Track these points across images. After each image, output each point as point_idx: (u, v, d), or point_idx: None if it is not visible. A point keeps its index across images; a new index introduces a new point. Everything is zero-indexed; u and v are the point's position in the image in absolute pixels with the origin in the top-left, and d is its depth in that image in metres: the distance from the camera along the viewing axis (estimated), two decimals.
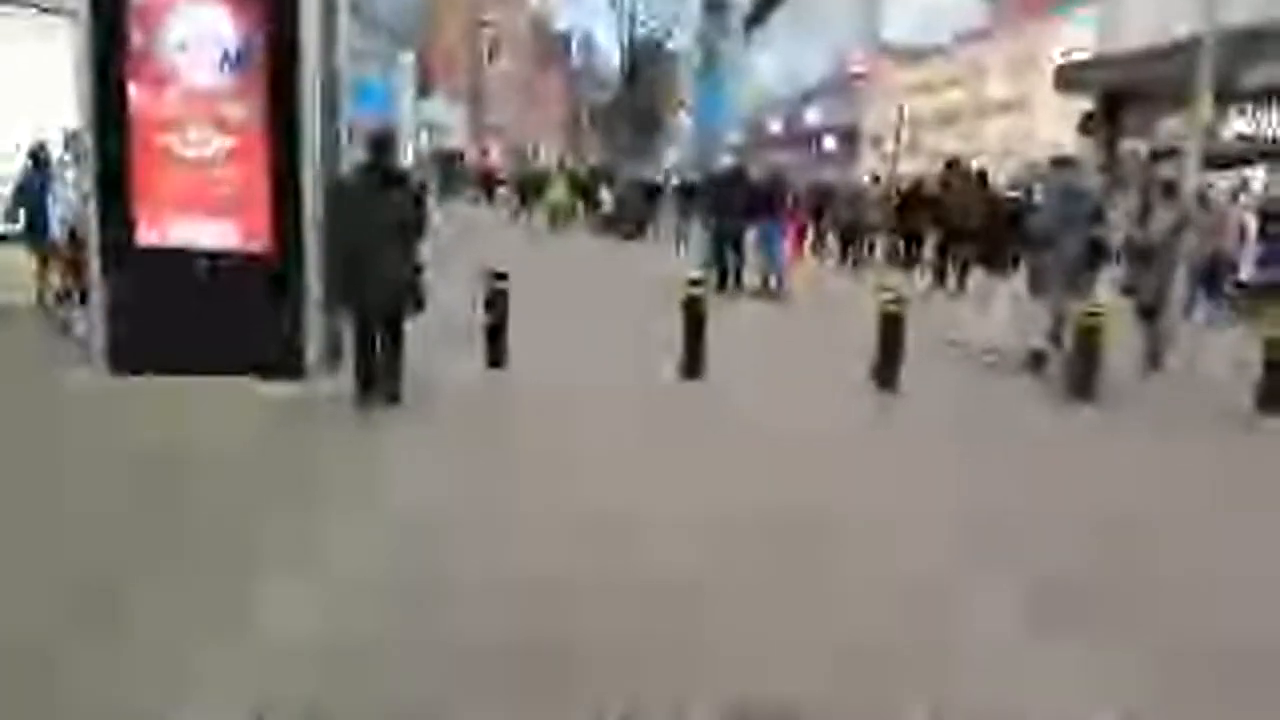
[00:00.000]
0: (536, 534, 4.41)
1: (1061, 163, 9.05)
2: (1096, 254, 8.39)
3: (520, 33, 61.81)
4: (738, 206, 13.10)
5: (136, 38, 6.46)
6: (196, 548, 4.13)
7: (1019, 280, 9.07)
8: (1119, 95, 19.92)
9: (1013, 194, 9.70)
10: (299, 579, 3.84)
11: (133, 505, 4.60)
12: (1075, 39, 21.95)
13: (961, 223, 13.71)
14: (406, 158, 32.57)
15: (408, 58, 36.98)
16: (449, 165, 31.48)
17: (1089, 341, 7.41)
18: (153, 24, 6.46)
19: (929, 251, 15.65)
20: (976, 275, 10.24)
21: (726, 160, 23.37)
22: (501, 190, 27.61)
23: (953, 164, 16.37)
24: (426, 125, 39.55)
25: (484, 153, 44.86)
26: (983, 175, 15.07)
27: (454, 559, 4.13)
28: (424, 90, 39.95)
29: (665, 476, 5.31)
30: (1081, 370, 7.42)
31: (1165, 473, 5.94)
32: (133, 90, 6.52)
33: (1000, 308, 9.10)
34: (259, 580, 3.81)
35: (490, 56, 52.45)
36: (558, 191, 24.31)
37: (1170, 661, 3.52)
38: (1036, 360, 8.57)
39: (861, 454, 6.01)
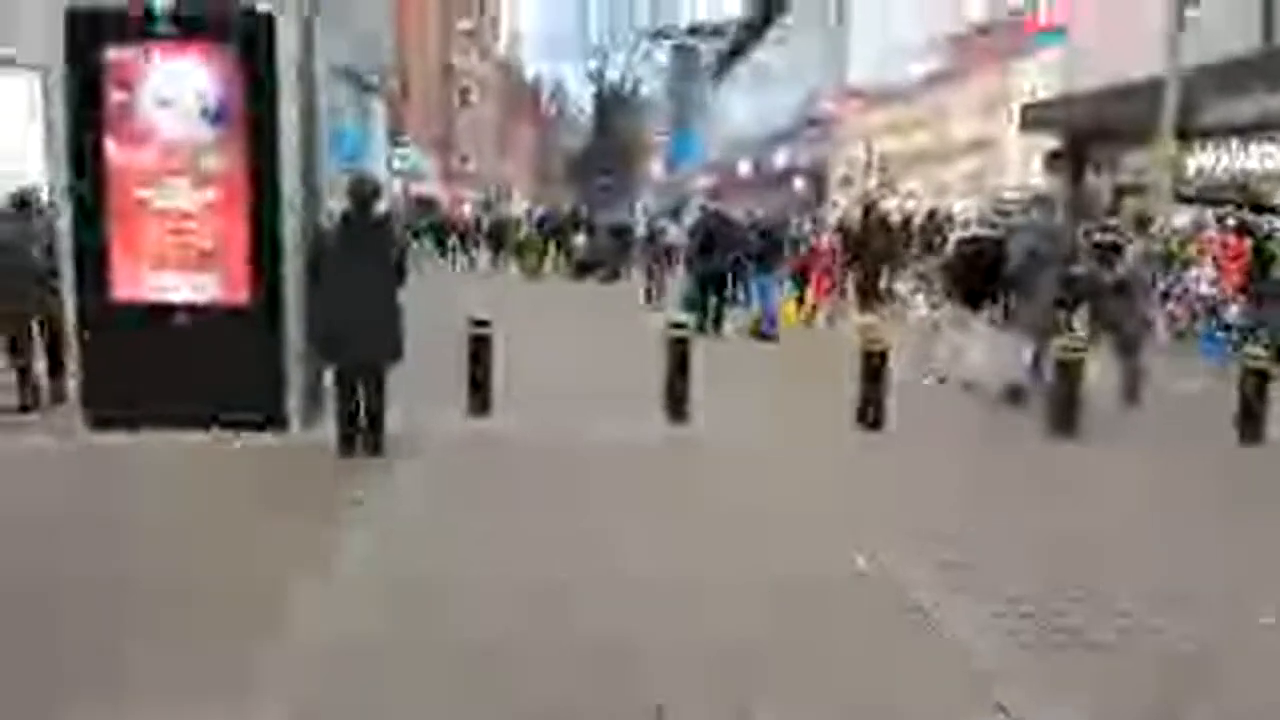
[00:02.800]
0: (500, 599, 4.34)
1: (1038, 201, 9.18)
2: (1073, 290, 8.49)
3: (491, 80, 62.32)
4: (722, 250, 13.27)
5: (114, 92, 6.44)
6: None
7: (993, 315, 9.12)
8: (1083, 133, 20.34)
9: (977, 232, 9.88)
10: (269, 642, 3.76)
11: (119, 565, 4.50)
12: (1039, 80, 22.45)
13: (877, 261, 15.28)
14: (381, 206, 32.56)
15: (378, 106, 37.16)
16: (424, 213, 31.44)
17: (1069, 375, 7.46)
18: (131, 78, 6.44)
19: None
20: (949, 311, 10.39)
21: (698, 205, 23.52)
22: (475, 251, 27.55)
23: (870, 207, 17.59)
24: (399, 174, 39.63)
25: (458, 202, 44.97)
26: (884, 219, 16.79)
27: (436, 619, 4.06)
28: (395, 138, 40.10)
29: (644, 533, 5.25)
30: (1063, 404, 7.46)
31: (1153, 498, 5.97)
32: (111, 145, 6.48)
33: (977, 343, 9.13)
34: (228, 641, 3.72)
35: (461, 103, 52.76)
36: (532, 238, 24.38)
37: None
38: (1014, 394, 8.62)
39: (853, 507, 5.99)
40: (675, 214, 32.96)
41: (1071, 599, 4.34)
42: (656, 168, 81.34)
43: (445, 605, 4.15)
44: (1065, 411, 7.41)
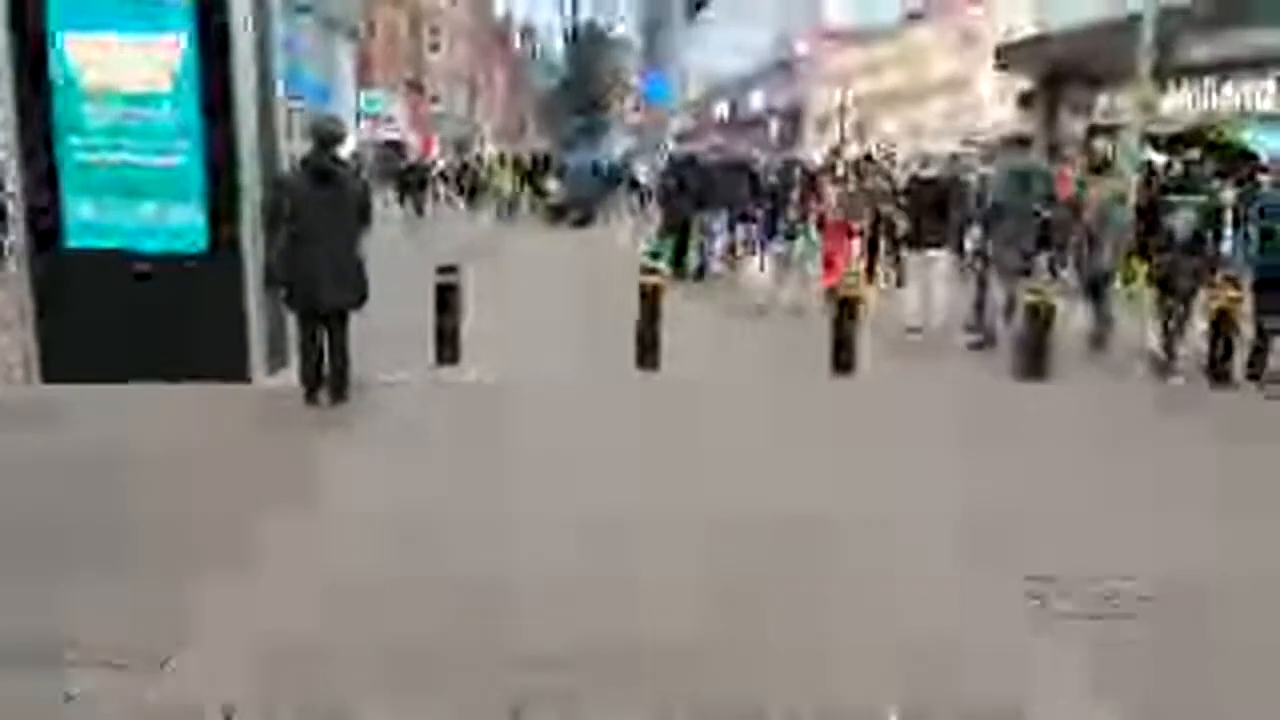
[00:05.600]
0: (473, 530, 4.31)
1: (1015, 142, 9.07)
2: (1046, 233, 8.44)
3: (462, 22, 61.02)
4: (692, 193, 12.96)
5: (53, 26, 6.19)
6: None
7: (950, 258, 9.06)
8: (1058, 74, 20.19)
9: (926, 173, 9.83)
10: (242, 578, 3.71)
11: (80, 511, 4.45)
12: (1014, 19, 22.20)
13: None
14: (349, 148, 32.01)
15: (347, 48, 36.35)
16: (391, 157, 30.91)
17: (1039, 320, 7.44)
18: (73, 11, 6.19)
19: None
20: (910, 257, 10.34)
21: (672, 147, 23.21)
22: (442, 189, 27.07)
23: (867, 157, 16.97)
24: (367, 116, 38.92)
25: (428, 145, 44.25)
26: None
27: (400, 558, 4.03)
28: (364, 81, 39.30)
29: (609, 471, 5.23)
30: (1032, 349, 7.46)
31: (1114, 446, 6.00)
32: (60, 86, 6.24)
33: (938, 287, 9.08)
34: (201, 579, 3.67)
35: (431, 46, 51.72)
36: (503, 182, 24.03)
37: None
38: (988, 339, 8.63)
39: (823, 444, 5.98)
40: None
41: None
42: (631, 110, 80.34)
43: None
44: (1035, 357, 7.42)
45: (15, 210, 6.54)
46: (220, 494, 4.76)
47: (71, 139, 6.34)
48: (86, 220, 6.44)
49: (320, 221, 5.97)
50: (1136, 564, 4.13)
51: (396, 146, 38.04)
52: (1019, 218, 8.34)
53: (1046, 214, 8.44)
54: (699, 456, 5.47)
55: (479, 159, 30.61)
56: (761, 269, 11.48)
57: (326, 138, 6.06)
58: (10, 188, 6.56)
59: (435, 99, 50.53)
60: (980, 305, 8.88)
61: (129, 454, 5.26)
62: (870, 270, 11.20)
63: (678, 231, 12.99)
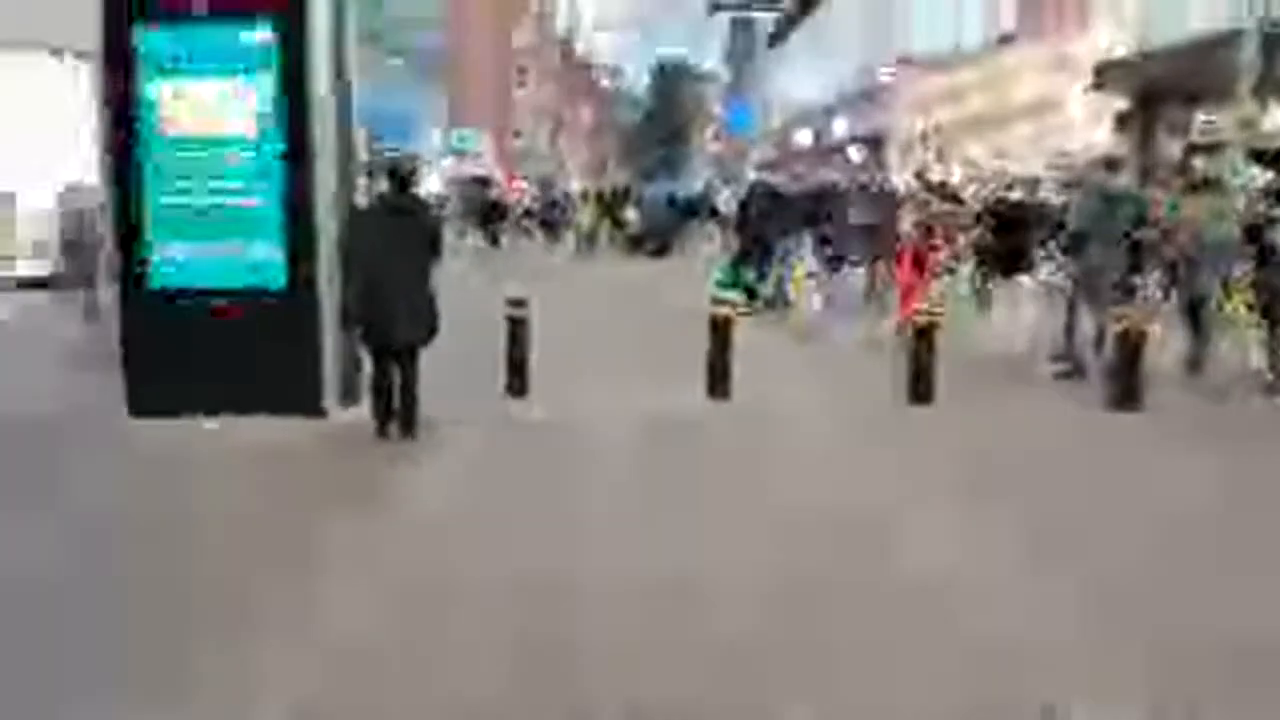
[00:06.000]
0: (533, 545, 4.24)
1: (1105, 165, 8.73)
2: (1138, 258, 8.07)
3: (549, 61, 62.21)
4: (762, 224, 12.80)
5: (145, 75, 6.43)
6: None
7: (1042, 282, 8.75)
8: (1155, 92, 19.51)
9: (1014, 197, 9.44)
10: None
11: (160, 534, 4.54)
12: (1107, 38, 21.59)
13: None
14: (435, 186, 32.74)
15: (436, 88, 37.34)
16: (475, 193, 31.43)
17: (1131, 347, 7.11)
18: (161, 60, 6.43)
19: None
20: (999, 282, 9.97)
21: (752, 176, 23.04)
22: (525, 223, 27.53)
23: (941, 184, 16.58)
24: (455, 153, 39.84)
25: (513, 180, 45.04)
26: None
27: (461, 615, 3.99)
28: (453, 119, 40.30)
29: (677, 519, 5.12)
30: (1124, 377, 7.12)
31: (1219, 481, 5.64)
32: (146, 129, 6.49)
33: (1027, 312, 8.80)
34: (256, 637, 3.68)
35: (519, 83, 52.78)
36: (584, 215, 24.26)
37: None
38: (1076, 369, 8.29)
39: (899, 473, 5.78)
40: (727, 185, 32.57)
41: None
42: (712, 140, 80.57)
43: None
44: (1127, 385, 7.08)
45: (106, 251, 6.81)
46: (285, 521, 4.85)
47: (159, 182, 6.56)
48: (171, 260, 6.64)
49: (393, 257, 6.06)
50: None
51: (484, 182, 38.79)
52: (1107, 243, 8.01)
53: (1137, 237, 8.08)
54: (771, 506, 5.22)
55: (566, 195, 31.02)
56: (829, 302, 10.95)
57: (401, 175, 6.17)
58: (101, 230, 6.82)
59: (518, 134, 51.46)
60: (1069, 333, 8.54)
61: (205, 481, 5.38)
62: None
63: (755, 260, 12.87)
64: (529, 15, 54.07)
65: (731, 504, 5.16)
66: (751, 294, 12.08)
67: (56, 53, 12.65)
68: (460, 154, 40.21)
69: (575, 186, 38.30)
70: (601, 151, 78.13)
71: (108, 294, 8.34)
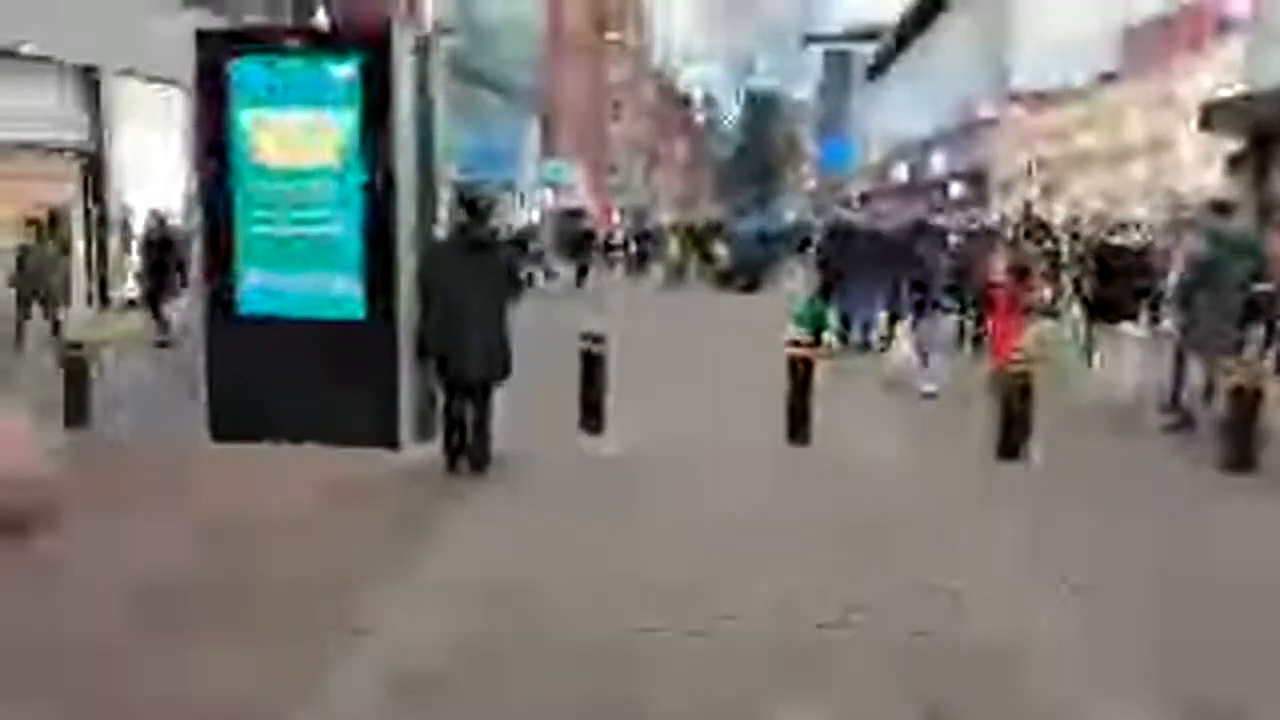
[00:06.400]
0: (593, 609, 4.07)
1: (1217, 208, 8.24)
2: (1254, 310, 7.56)
3: (644, 94, 62.81)
4: (841, 264, 12.50)
5: (235, 105, 6.56)
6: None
7: (1150, 330, 8.28)
8: (1268, 133, 18.59)
9: (1117, 241, 8.91)
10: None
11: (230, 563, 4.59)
12: (1217, 76, 20.73)
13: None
14: (531, 217, 33.16)
15: (532, 118, 37.89)
16: (568, 225, 31.73)
17: (1247, 403, 6.63)
18: (252, 91, 6.55)
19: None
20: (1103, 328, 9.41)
21: (839, 213, 22.54)
22: (613, 254, 27.70)
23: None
24: (549, 184, 40.29)
25: (606, 213, 45.44)
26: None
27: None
28: (548, 150, 40.81)
29: (752, 561, 4.90)
30: (1239, 436, 6.64)
31: None
32: (238, 157, 6.61)
33: (1132, 360, 8.33)
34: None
35: (614, 116, 53.35)
36: (672, 248, 24.23)
37: None
38: (1185, 421, 7.79)
39: (984, 543, 5.45)
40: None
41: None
42: (808, 175, 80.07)
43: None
44: (1242, 445, 6.59)
45: (193, 279, 6.94)
46: (343, 556, 4.80)
47: (249, 211, 6.67)
48: (258, 287, 6.74)
49: (469, 292, 6.01)
50: None
51: (578, 214, 39.28)
52: (1221, 290, 7.52)
53: (1258, 287, 7.56)
54: (853, 569, 5.02)
55: (657, 227, 31.11)
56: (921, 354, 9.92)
57: (475, 206, 6.13)
58: (186, 256, 6.96)
59: (614, 169, 51.93)
60: (1177, 383, 8.03)
61: (273, 515, 5.38)
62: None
63: (836, 300, 12.56)
64: (624, 50, 54.71)
65: (788, 558, 4.91)
66: (819, 336, 11.54)
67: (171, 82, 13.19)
68: (554, 185, 40.64)
69: (665, 219, 38.43)
70: (695, 185, 78.36)
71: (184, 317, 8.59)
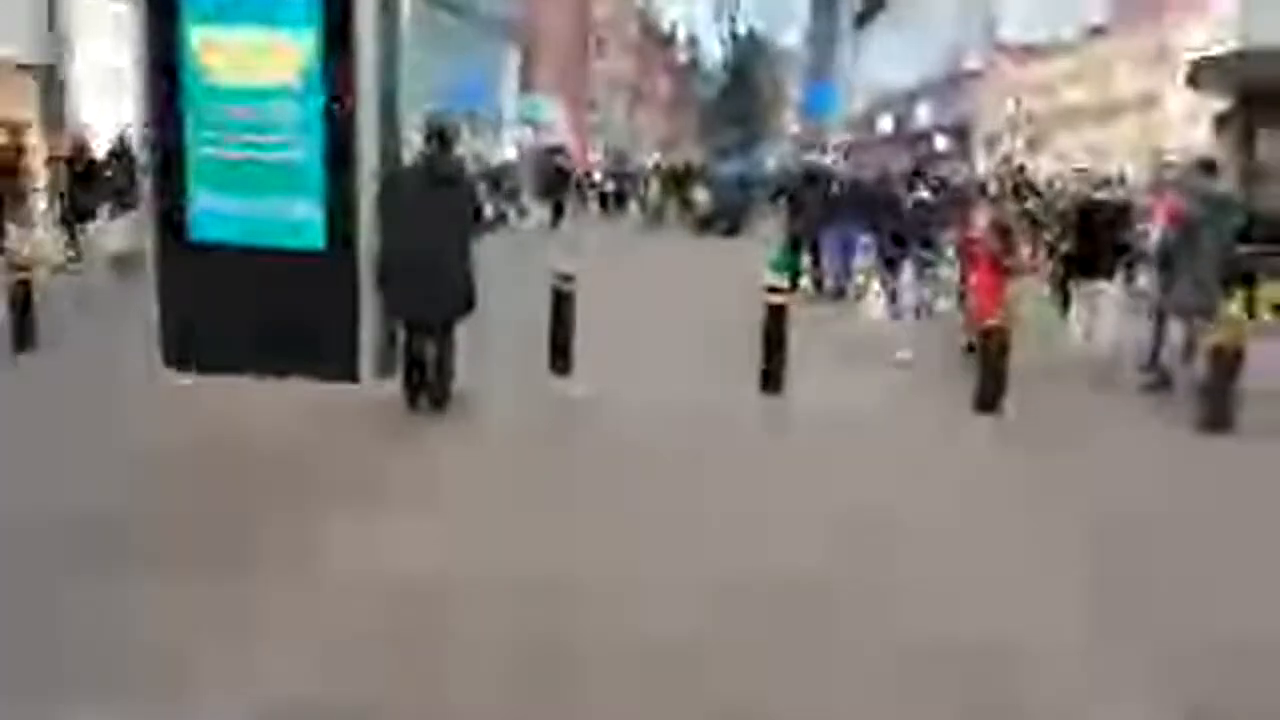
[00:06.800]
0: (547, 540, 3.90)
1: (1202, 167, 8.05)
2: (1235, 271, 7.43)
3: (627, 31, 61.57)
4: (810, 209, 12.47)
5: (184, 21, 6.17)
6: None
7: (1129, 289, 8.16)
8: (1257, 93, 18.39)
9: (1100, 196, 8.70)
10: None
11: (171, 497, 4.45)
12: (1209, 32, 20.44)
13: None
14: (509, 152, 32.51)
15: (512, 52, 37.04)
16: (547, 163, 31.11)
17: (1226, 364, 6.51)
18: (202, 7, 6.16)
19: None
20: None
21: (809, 159, 22.23)
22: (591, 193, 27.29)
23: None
24: (529, 121, 39.54)
25: (586, 152, 44.70)
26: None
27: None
28: (527, 86, 39.99)
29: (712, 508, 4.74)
30: (1217, 396, 6.53)
31: None
32: (189, 80, 6.23)
33: (1109, 318, 8.20)
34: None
35: (597, 54, 52.32)
36: (653, 190, 23.84)
37: None
38: (1163, 381, 7.69)
39: (954, 493, 5.31)
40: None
41: None
42: (792, 121, 79.09)
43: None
44: (1219, 407, 6.49)
45: (147, 203, 6.60)
46: (291, 494, 4.62)
47: (200, 133, 6.31)
48: (210, 213, 6.40)
49: (430, 227, 5.75)
50: None
51: (557, 151, 38.61)
52: (1204, 251, 7.36)
53: (1240, 249, 7.42)
54: (797, 513, 4.89)
55: (641, 168, 30.58)
56: (893, 309, 9.80)
57: (439, 135, 5.83)
58: (140, 178, 6.62)
59: (593, 105, 51.04)
60: (1156, 343, 7.92)
61: (223, 447, 5.16)
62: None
63: (807, 247, 12.45)
64: None
65: (763, 508, 4.76)
66: (795, 281, 11.41)
67: None
68: (533, 123, 39.88)
69: (649, 161, 37.84)
70: (679, 126, 77.24)
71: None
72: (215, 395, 6.08)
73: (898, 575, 4.07)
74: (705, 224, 22.07)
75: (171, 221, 6.45)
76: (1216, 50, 19.96)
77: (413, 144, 6.60)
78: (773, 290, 6.91)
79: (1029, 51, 31.93)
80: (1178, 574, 4.24)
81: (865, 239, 11.39)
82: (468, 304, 5.89)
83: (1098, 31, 27.73)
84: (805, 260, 12.52)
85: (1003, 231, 8.16)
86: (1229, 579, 4.22)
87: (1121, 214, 8.79)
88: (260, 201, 6.32)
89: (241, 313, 6.34)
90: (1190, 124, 21.08)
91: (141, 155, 6.76)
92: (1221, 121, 19.86)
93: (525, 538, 4.26)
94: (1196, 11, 21.51)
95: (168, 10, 6.17)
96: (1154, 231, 9.90)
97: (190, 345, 6.46)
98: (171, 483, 4.77)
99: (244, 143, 6.24)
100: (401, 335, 6.08)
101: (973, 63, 36.16)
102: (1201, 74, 19.94)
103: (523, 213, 22.91)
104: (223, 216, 6.37)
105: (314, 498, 4.62)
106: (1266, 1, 17.93)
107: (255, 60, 6.14)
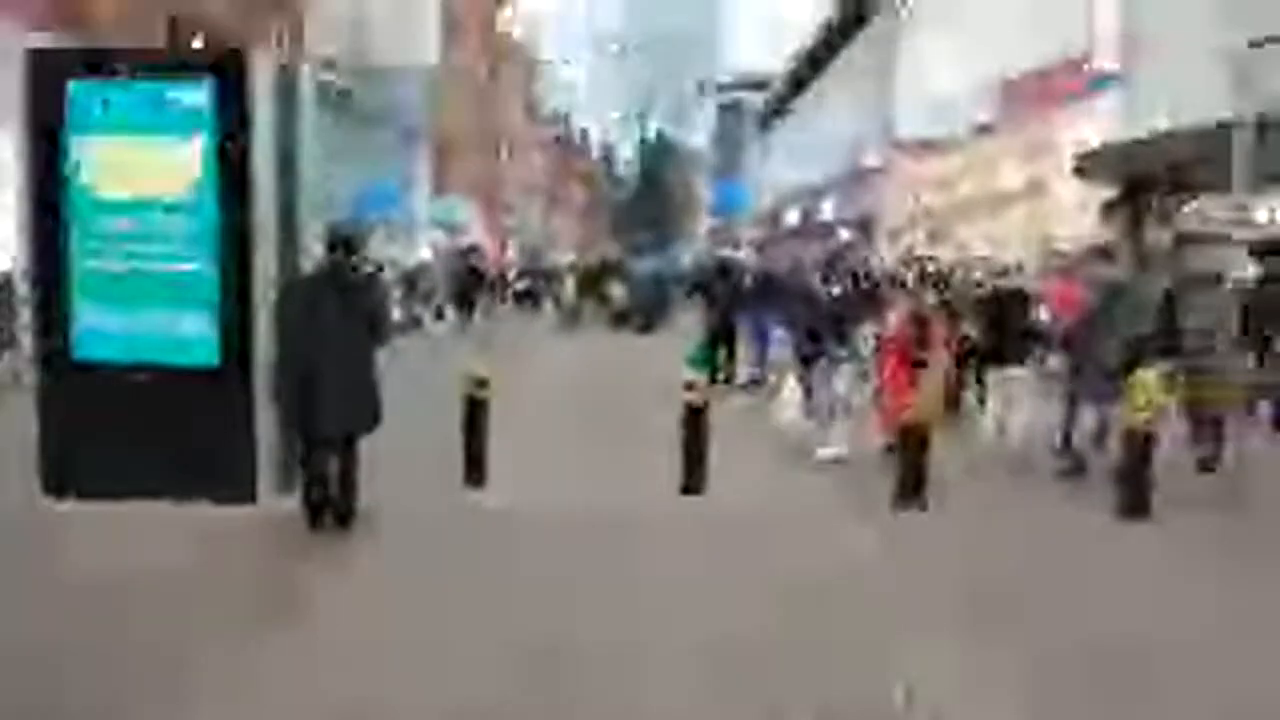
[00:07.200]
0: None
1: (1099, 253, 8.31)
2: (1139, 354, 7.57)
3: (537, 136, 62.63)
4: (723, 301, 12.77)
5: (69, 131, 5.93)
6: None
7: (1034, 376, 8.28)
8: (1141, 182, 19.37)
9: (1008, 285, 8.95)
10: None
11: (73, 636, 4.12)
12: (1092, 126, 21.57)
13: None
14: (424, 254, 32.28)
15: (424, 155, 37.18)
16: (460, 264, 30.96)
17: (1139, 447, 6.56)
18: (88, 116, 5.93)
19: None
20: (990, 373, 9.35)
21: (722, 253, 22.79)
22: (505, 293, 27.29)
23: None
24: (443, 224, 39.46)
25: (501, 252, 44.81)
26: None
27: None
28: (440, 189, 40.04)
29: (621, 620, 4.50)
30: (1132, 480, 6.56)
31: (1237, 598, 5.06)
32: (73, 191, 5.96)
33: (1021, 407, 8.28)
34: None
35: (508, 156, 52.96)
36: (568, 288, 23.89)
37: None
38: (1077, 467, 7.74)
39: (892, 600, 5.17)
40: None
41: None
42: (703, 219, 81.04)
43: None
44: (1136, 491, 6.51)
45: (27, 319, 6.25)
46: (199, 622, 4.34)
47: (84, 245, 6.02)
48: (94, 331, 6.06)
49: (331, 336, 5.51)
50: None
51: (472, 251, 38.50)
52: (1109, 336, 7.52)
53: (1139, 332, 7.57)
54: (720, 633, 4.69)
55: (555, 267, 30.69)
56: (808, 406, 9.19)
57: (341, 242, 5.64)
58: (22, 292, 6.27)
59: (509, 208, 51.46)
60: (1068, 427, 7.99)
61: (115, 580, 4.76)
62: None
63: (722, 340, 12.54)
64: (518, 94, 54.52)
65: (682, 622, 4.54)
66: (714, 376, 11.31)
67: None
68: (446, 225, 39.81)
69: (564, 260, 38.07)
70: (593, 229, 78.35)
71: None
72: (97, 523, 5.64)
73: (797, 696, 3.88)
74: (621, 319, 22.12)
75: (54, 341, 6.10)
76: (1101, 141, 21.05)
77: (313, 254, 6.40)
78: (689, 387, 6.79)
79: (925, 148, 33.30)
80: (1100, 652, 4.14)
81: (779, 332, 11.43)
82: (374, 416, 5.63)
83: (984, 129, 29.05)
84: (722, 354, 12.54)
85: (921, 322, 8.13)
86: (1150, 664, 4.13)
87: (1025, 301, 8.99)
88: (147, 316, 6.01)
89: (128, 434, 5.98)
90: (1080, 212, 22.02)
91: (22, 286, 6.42)
92: (1109, 208, 20.81)
93: (436, 664, 3.96)
94: (1080, 106, 22.70)
95: (50, 118, 5.93)
96: (1046, 317, 10.10)
97: (72, 470, 6.06)
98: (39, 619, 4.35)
99: (128, 255, 5.95)
100: (300, 450, 5.76)
101: (872, 159, 37.55)
102: (1087, 165, 20.98)
103: (439, 315, 22.65)
104: (106, 335, 6.05)
105: (202, 630, 4.25)
106: (1148, 95, 19.04)
107: (142, 171, 5.91)
